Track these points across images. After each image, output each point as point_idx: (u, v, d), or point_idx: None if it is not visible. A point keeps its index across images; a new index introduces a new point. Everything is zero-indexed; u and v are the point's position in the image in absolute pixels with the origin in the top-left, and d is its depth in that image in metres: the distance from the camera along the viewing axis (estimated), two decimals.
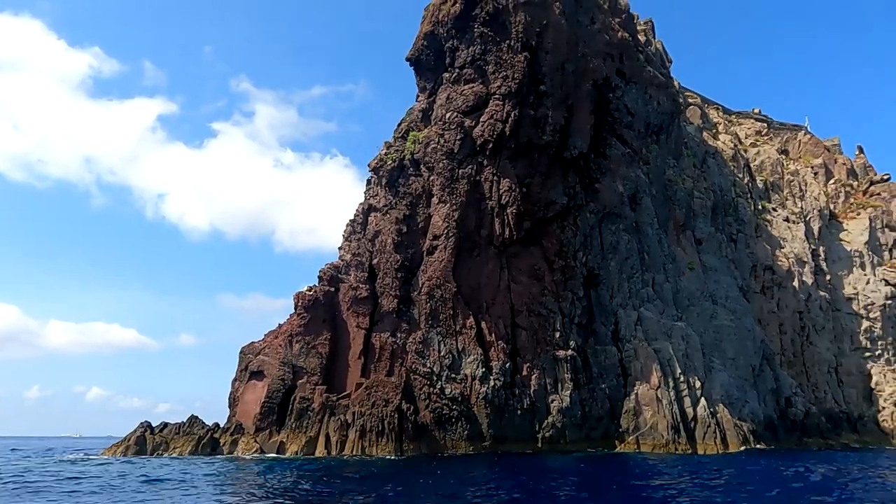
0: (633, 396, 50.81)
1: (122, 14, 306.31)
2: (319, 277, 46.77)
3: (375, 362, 43.62)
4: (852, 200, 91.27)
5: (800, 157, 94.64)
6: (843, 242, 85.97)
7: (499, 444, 44.49)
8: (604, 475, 30.47)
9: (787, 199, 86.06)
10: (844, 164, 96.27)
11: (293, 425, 39.92)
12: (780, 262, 77.41)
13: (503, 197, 49.64)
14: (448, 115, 51.34)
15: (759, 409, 57.91)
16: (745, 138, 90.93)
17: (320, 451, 38.64)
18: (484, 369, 45.52)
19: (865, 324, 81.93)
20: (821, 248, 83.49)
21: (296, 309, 45.16)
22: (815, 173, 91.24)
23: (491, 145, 49.67)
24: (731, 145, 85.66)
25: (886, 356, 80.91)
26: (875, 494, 21.46)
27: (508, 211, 49.47)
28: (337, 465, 33.31)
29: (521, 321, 49.10)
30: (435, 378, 44.27)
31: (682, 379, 52.30)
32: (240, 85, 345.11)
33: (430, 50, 56.20)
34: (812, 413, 67.18)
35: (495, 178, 49.96)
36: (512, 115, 50.22)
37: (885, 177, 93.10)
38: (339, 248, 49.92)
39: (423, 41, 56.41)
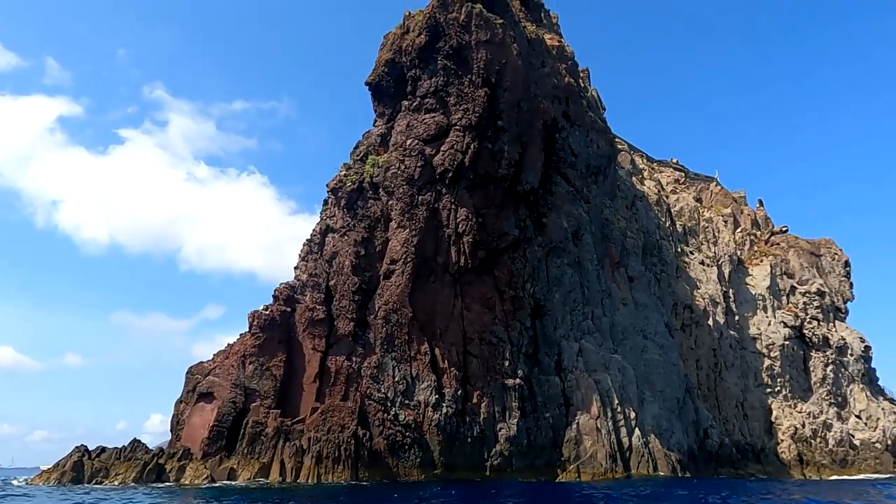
0: (574, 426, 52.40)
1: (27, 6, 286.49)
2: (275, 297, 45.31)
3: (331, 386, 42.58)
4: (756, 248, 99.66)
5: (712, 206, 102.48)
6: (748, 286, 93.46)
7: (449, 472, 44.44)
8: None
9: (702, 244, 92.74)
10: (749, 214, 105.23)
11: (245, 451, 37.99)
12: (697, 302, 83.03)
13: (460, 226, 50.53)
14: (409, 142, 51.93)
15: (683, 440, 61.28)
16: (667, 185, 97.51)
17: (274, 478, 36.96)
18: (437, 396, 45.58)
19: (767, 362, 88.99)
20: (730, 291, 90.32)
21: (250, 328, 43.37)
22: (726, 222, 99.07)
23: (451, 174, 50.64)
24: (655, 191, 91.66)
25: (784, 392, 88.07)
26: None
27: (465, 240, 50.37)
28: (292, 492, 32.05)
29: (472, 349, 49.70)
30: (389, 404, 43.80)
31: (618, 409, 54.63)
32: (154, 92, 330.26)
33: (390, 77, 56.87)
34: (725, 444, 71.87)
35: (453, 206, 50.84)
36: (471, 146, 51.56)
37: (784, 228, 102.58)
38: (295, 268, 48.69)
39: (383, 68, 57.02)
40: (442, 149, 51.50)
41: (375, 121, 57.29)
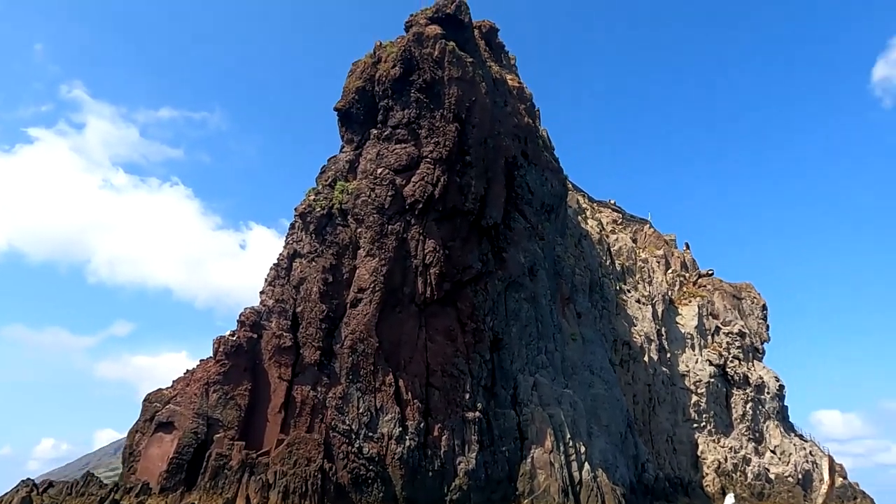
0: (529, 460, 53.09)
1: None
2: (241, 322, 43.60)
3: (296, 417, 41.22)
4: (685, 289, 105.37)
5: (646, 247, 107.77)
6: (678, 325, 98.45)
7: None
8: None
9: (638, 283, 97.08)
10: (679, 257, 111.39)
11: (207, 485, 35.94)
12: (634, 339, 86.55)
13: (427, 257, 50.80)
14: (380, 171, 51.98)
15: (626, 474, 63.26)
16: (607, 225, 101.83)
17: None
18: (401, 429, 45.11)
19: (694, 398, 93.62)
20: (663, 329, 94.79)
21: (215, 355, 41.41)
22: (659, 262, 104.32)
23: (421, 206, 51.00)
24: (597, 230, 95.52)
25: (709, 427, 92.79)
26: None
27: (431, 271, 50.63)
28: None
29: (434, 381, 49.64)
30: (353, 436, 42.92)
31: (570, 444, 55.86)
32: (72, 91, 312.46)
33: (360, 104, 56.92)
34: (659, 478, 74.67)
35: (421, 237, 51.11)
36: (441, 179, 52.24)
37: (710, 272, 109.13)
38: (261, 293, 47.12)
39: (353, 95, 57.01)
40: (413, 180, 51.87)
41: (343, 147, 56.97)
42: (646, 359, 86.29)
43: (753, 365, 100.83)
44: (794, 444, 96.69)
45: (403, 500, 43.56)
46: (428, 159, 52.79)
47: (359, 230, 49.94)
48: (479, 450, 49.77)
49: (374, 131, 55.71)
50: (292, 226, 49.71)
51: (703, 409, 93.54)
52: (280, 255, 48.46)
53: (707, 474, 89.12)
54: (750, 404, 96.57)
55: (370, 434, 43.76)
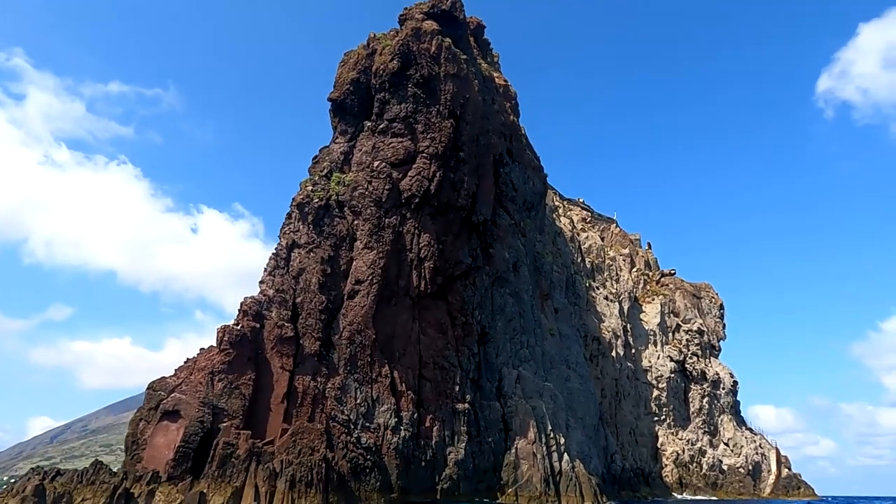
0: (513, 450, 54.66)
1: None
2: (244, 311, 43.25)
3: (298, 407, 41.39)
4: (648, 287, 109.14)
5: (612, 246, 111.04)
6: (643, 322, 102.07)
7: (404, 496, 44.71)
8: None
9: (606, 281, 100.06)
10: (643, 256, 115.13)
11: (215, 473, 35.78)
12: (603, 335, 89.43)
13: (422, 251, 51.50)
14: (376, 164, 52.27)
15: (598, 465, 65.76)
16: (577, 223, 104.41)
17: (248, 503, 35.25)
18: (396, 419, 45.87)
19: (655, 392, 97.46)
20: (628, 325, 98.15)
21: (219, 344, 41.01)
22: (625, 261, 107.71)
23: (417, 200, 51.59)
24: (569, 228, 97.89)
25: (668, 420, 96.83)
26: None
27: (426, 265, 51.38)
28: None
29: (426, 373, 50.53)
30: (352, 426, 43.44)
31: (551, 435, 57.73)
32: (11, 60, 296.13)
33: (355, 96, 56.91)
34: (625, 468, 77.78)
35: (417, 231, 51.75)
36: (437, 175, 52.94)
37: (672, 271, 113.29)
38: (261, 282, 46.77)
39: (348, 86, 56.94)
40: (409, 174, 52.39)
41: (336, 138, 56.88)
42: (613, 354, 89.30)
43: (710, 361, 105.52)
44: (746, 437, 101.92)
45: (398, 490, 44.39)
46: (424, 154, 53.36)
47: (356, 222, 50.19)
48: (468, 440, 51.01)
49: (369, 123, 55.83)
50: (289, 216, 49.50)
51: (664, 403, 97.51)
52: (278, 245, 48.22)
53: (666, 465, 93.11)
54: (706, 399, 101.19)
55: (367, 424, 44.37)
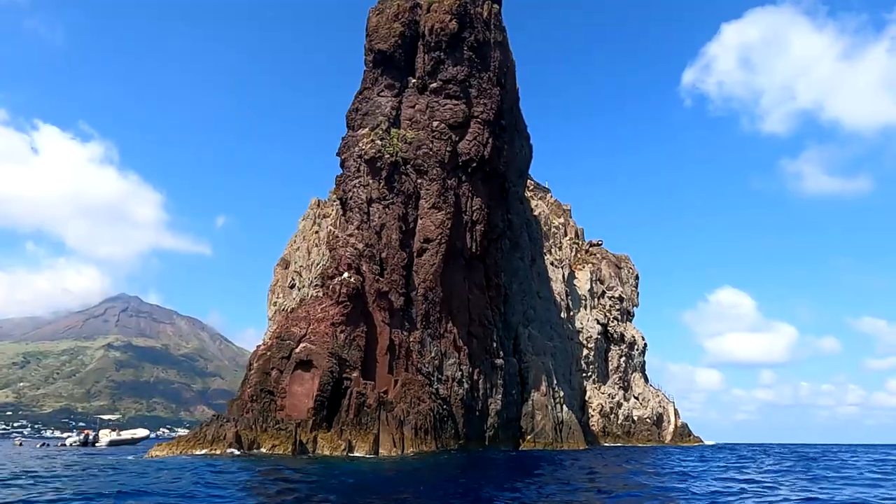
0: (530, 402, 59.62)
1: None
2: (349, 265, 42.51)
3: (396, 359, 42.39)
4: (579, 256, 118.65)
5: (549, 215, 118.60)
6: (577, 287, 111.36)
7: (467, 443, 47.89)
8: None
9: (552, 248, 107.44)
10: (573, 226, 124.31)
11: (352, 421, 36.07)
12: (556, 298, 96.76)
13: (475, 214, 53.54)
14: (435, 125, 52.88)
15: (579, 416, 73.06)
16: (528, 191, 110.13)
17: (386, 450, 36.14)
18: (460, 372, 48.46)
19: (585, 351, 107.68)
20: (566, 290, 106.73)
21: (338, 297, 40.23)
22: (560, 229, 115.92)
23: (474, 164, 53.24)
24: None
25: (594, 377, 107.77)
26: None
27: (477, 228, 53.57)
28: (452, 463, 31.10)
29: (473, 329, 53.32)
30: (431, 378, 45.41)
31: (556, 389, 63.46)
32: None
33: (401, 50, 56.35)
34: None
35: (470, 194, 53.55)
36: (489, 141, 54.80)
37: (599, 242, 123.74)
38: (350, 235, 45.80)
39: (396, 39, 56.13)
40: (466, 138, 53.69)
41: (381, 91, 56.13)
42: (563, 315, 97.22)
43: (627, 325, 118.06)
44: (651, 392, 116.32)
45: (463, 437, 47.41)
46: (478, 119, 54.80)
47: (419, 181, 50.83)
48: (504, 393, 54.96)
49: (414, 80, 55.79)
50: (359, 168, 48.79)
51: (591, 361, 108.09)
52: (359, 197, 47.56)
53: (592, 416, 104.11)
54: (623, 358, 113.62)
55: (440, 377, 46.54)
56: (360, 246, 45.10)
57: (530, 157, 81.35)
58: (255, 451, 32.93)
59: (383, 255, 46.03)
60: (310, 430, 34.92)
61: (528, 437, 57.93)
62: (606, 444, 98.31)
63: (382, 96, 56.02)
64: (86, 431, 66.16)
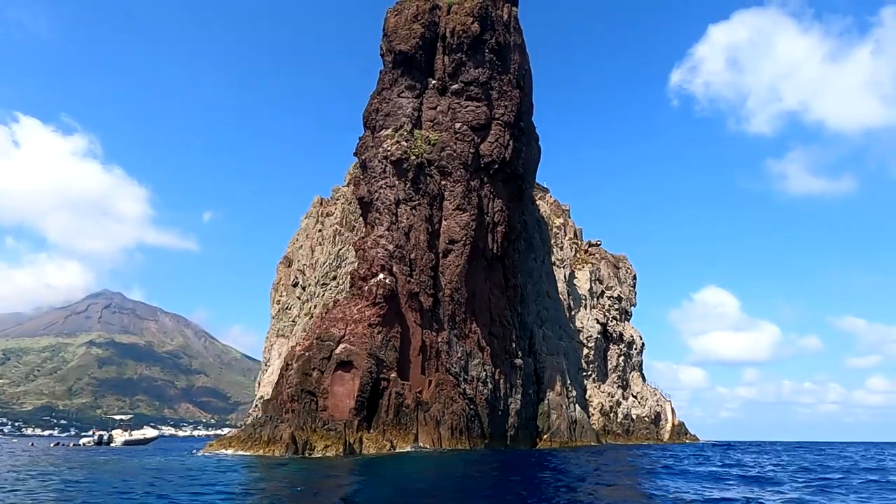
0: (546, 402, 60.27)
1: None
2: (382, 266, 42.64)
3: (428, 360, 42.68)
4: (579, 256, 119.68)
5: (550, 215, 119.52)
6: (577, 287, 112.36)
7: (490, 442, 48.36)
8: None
9: (553, 248, 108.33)
10: (572, 226, 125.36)
11: (392, 421, 36.34)
12: (560, 297, 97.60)
13: (496, 215, 53.96)
14: (458, 126, 53.20)
15: (586, 414, 73.89)
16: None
17: (427, 447, 36.48)
18: (484, 373, 48.89)
19: (586, 350, 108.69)
20: (568, 290, 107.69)
21: (374, 298, 40.35)
22: (561, 230, 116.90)
23: (496, 166, 53.65)
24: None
25: (594, 375, 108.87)
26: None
27: (498, 229, 54.02)
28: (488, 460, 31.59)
29: (494, 330, 53.78)
30: (459, 379, 45.77)
31: (570, 388, 64.17)
32: None
33: (422, 51, 56.56)
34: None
35: (492, 196, 53.97)
36: (510, 143, 55.26)
37: (598, 242, 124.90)
38: (380, 236, 45.96)
39: (417, 40, 56.30)
40: (488, 140, 54.09)
41: (402, 92, 56.28)
42: (564, 315, 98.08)
43: (625, 325, 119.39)
44: (649, 391, 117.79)
45: (488, 437, 47.87)
46: (499, 122, 55.23)
47: (443, 182, 51.11)
48: (522, 393, 55.51)
49: (434, 82, 56.03)
50: (384, 170, 48.93)
51: (591, 360, 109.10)
52: (387, 198, 47.72)
53: (593, 414, 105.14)
54: (622, 357, 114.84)
55: (466, 377, 46.94)
56: (391, 247, 45.34)
57: (539, 158, 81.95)
58: (306, 454, 32.98)
59: (412, 256, 46.30)
60: (355, 430, 35.19)
61: (545, 436, 58.58)
62: (608, 442, 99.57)
63: (403, 97, 56.17)
64: (99, 432, 65.77)
